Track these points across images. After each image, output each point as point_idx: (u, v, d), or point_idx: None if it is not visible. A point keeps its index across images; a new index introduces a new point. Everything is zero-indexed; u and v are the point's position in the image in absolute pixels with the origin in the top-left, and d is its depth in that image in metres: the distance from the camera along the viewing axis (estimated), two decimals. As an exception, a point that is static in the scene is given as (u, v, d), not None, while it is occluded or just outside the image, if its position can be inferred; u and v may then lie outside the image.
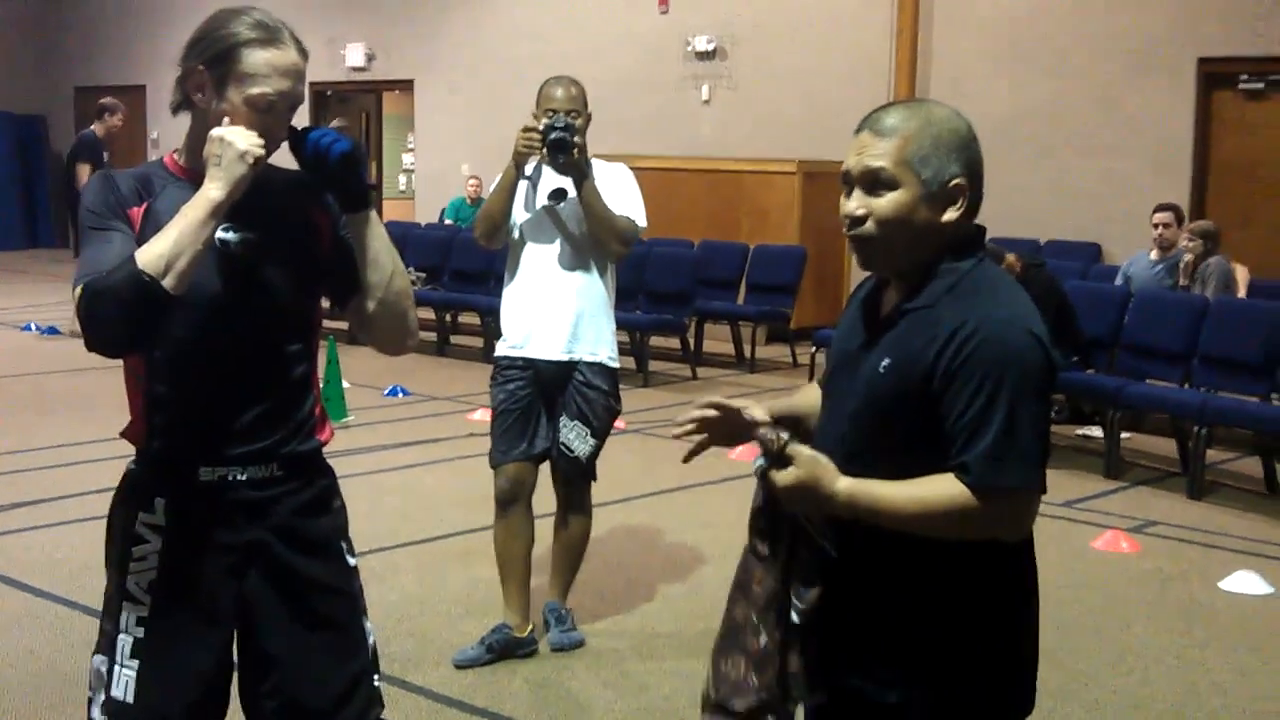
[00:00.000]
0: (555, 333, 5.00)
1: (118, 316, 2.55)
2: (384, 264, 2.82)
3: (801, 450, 2.28)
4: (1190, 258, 9.56)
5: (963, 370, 2.22)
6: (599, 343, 5.06)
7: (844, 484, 2.26)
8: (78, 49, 22.77)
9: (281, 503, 2.82)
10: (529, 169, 5.05)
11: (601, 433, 5.09)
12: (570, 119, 4.89)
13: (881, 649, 2.32)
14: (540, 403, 5.05)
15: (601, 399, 5.06)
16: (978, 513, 2.20)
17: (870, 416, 2.33)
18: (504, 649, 5.02)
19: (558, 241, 5.03)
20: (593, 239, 4.99)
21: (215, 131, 2.63)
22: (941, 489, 2.22)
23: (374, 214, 2.83)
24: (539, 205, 5.03)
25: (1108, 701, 4.88)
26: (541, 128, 4.88)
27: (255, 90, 2.67)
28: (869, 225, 2.33)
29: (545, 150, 4.88)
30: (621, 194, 5.01)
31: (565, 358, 5.01)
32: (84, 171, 12.73)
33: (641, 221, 5.04)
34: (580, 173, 4.91)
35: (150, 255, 2.53)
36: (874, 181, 2.32)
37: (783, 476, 2.27)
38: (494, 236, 5.09)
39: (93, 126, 13.33)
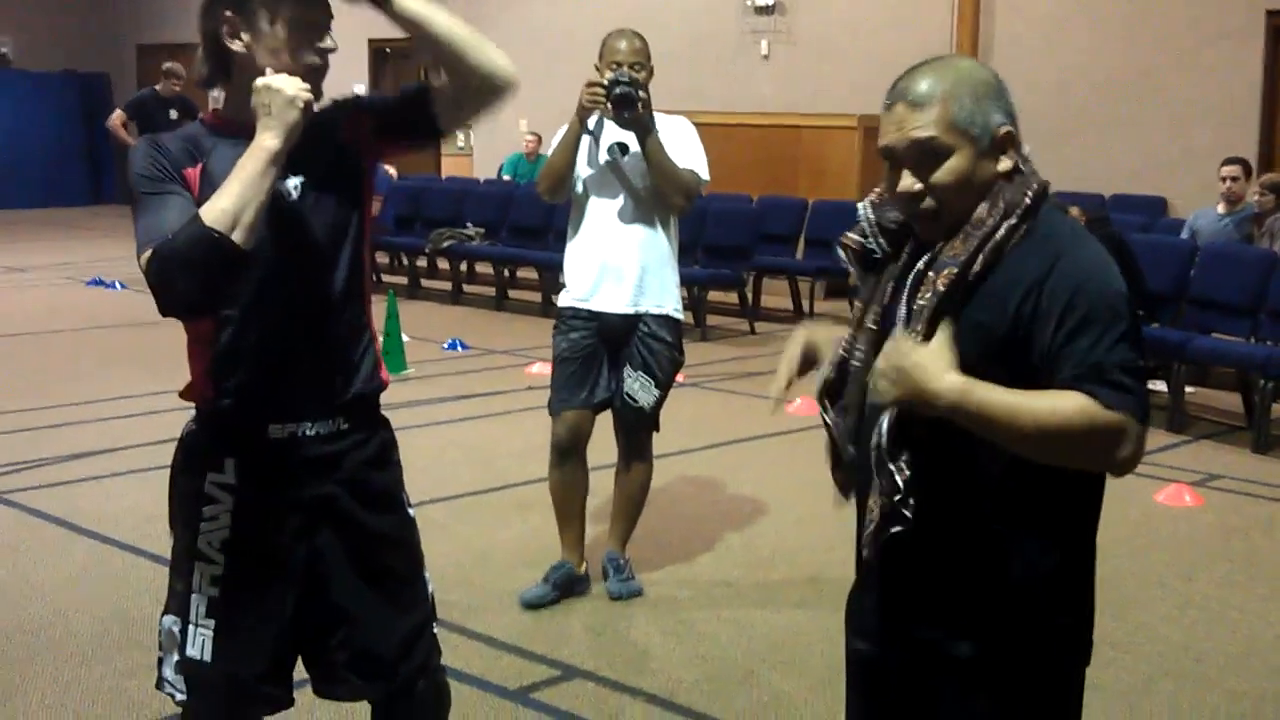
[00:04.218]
0: (621, 286, 5.01)
1: (191, 277, 2.51)
2: (455, 39, 2.69)
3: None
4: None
5: (1047, 306, 2.14)
6: (664, 295, 5.07)
7: (954, 379, 2.12)
8: (140, 7, 22.89)
9: (348, 456, 2.83)
10: (592, 123, 5.04)
11: (665, 384, 5.11)
12: (634, 72, 4.89)
13: (952, 601, 2.29)
14: (602, 353, 5.06)
15: (666, 350, 5.07)
16: (1103, 425, 2.08)
17: None
18: (566, 585, 5.13)
19: (621, 196, 5.03)
20: (656, 193, 4.99)
21: (260, 81, 2.57)
22: (1068, 398, 2.10)
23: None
24: (602, 160, 5.03)
25: (1169, 653, 4.85)
26: (606, 82, 4.88)
27: (286, 9, 2.63)
28: (929, 201, 2.26)
29: (609, 105, 4.88)
30: (684, 148, 5.01)
31: (631, 311, 5.03)
32: (116, 117, 13.46)
33: (704, 175, 5.03)
34: (644, 127, 4.90)
35: (215, 211, 2.49)
36: (925, 154, 2.24)
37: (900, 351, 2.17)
38: (558, 191, 5.10)
39: (157, 86, 13.62)
